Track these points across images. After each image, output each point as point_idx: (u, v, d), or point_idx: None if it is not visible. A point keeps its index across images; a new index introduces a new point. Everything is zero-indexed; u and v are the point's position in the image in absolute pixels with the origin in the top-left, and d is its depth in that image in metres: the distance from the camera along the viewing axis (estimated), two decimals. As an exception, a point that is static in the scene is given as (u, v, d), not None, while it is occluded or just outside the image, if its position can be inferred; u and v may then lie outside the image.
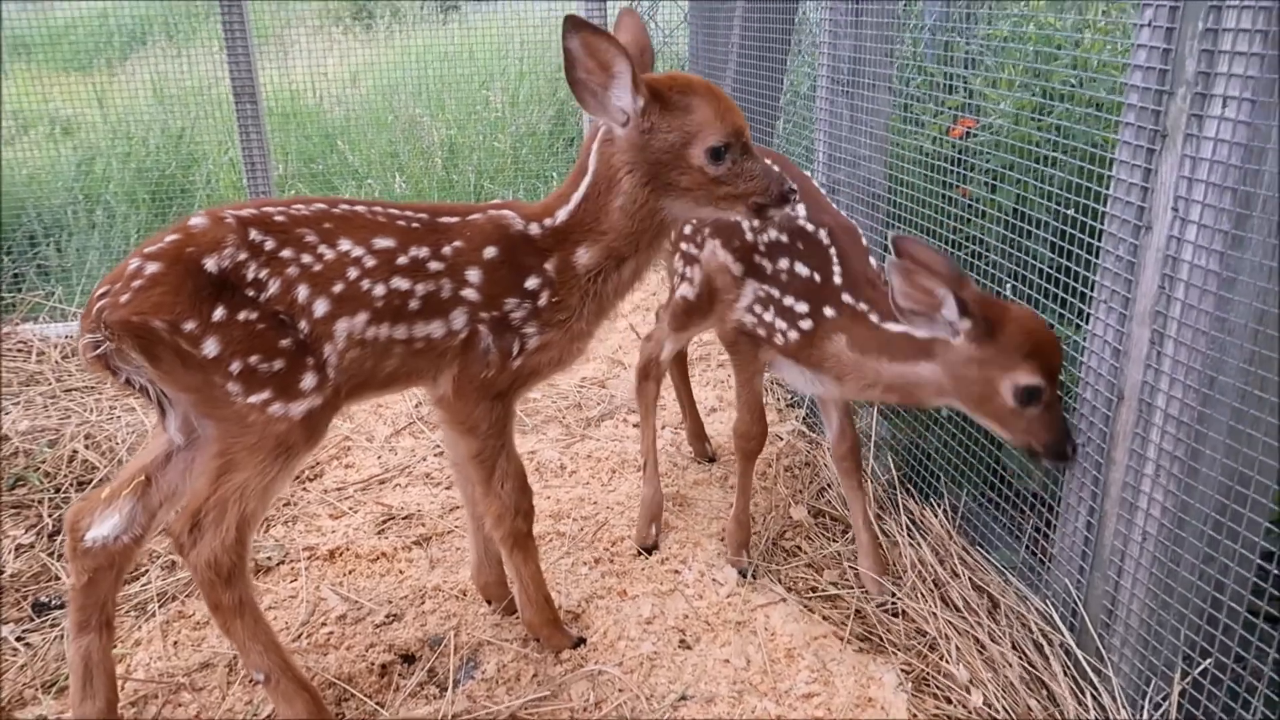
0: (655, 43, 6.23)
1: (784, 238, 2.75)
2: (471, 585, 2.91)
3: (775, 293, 2.73)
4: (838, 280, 2.66)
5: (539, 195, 6.82)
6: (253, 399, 2.09)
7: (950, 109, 3.34)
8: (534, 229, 2.35)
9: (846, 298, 2.63)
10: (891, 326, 2.54)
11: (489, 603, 2.89)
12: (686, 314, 3.10)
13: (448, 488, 3.60)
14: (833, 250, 2.70)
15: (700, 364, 4.66)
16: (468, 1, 9.21)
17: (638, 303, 5.40)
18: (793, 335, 2.70)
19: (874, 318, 2.59)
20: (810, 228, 2.74)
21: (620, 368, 4.64)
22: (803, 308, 2.67)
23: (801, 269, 2.70)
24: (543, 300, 2.33)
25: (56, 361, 4.51)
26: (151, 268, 2.03)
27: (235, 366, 2.06)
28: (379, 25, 9.82)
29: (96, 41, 7.73)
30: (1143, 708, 2.27)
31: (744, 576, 2.96)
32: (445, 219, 2.34)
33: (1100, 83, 2.79)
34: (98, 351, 2.03)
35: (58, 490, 3.47)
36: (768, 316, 2.74)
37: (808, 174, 3.05)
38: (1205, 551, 2.14)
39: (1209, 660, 2.15)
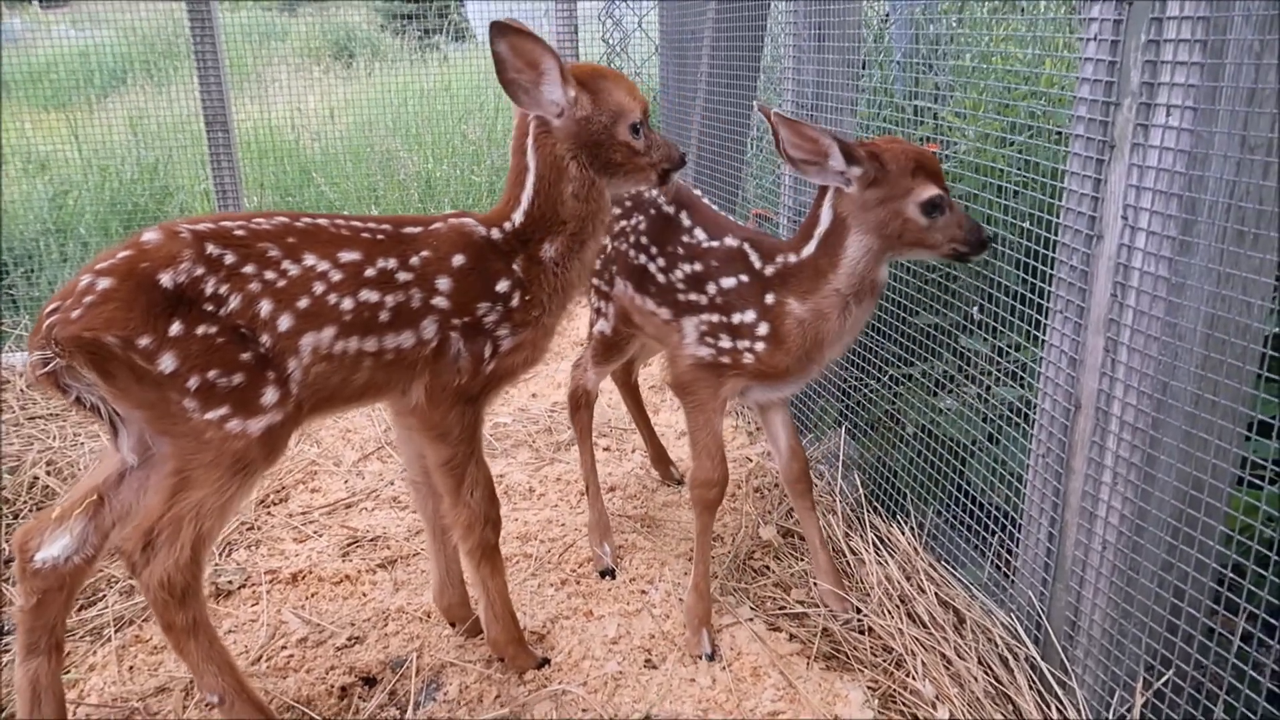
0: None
1: (698, 265, 2.71)
2: (435, 607, 2.87)
3: (719, 317, 2.66)
4: (757, 265, 2.64)
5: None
6: (209, 415, 2.05)
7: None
8: (495, 234, 2.40)
9: (768, 269, 2.61)
10: (806, 249, 2.56)
11: (452, 625, 2.85)
12: (606, 349, 3.14)
13: (415, 511, 3.57)
14: (745, 246, 2.68)
15: (667, 390, 4.65)
16: (450, 40, 9.31)
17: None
18: (759, 346, 2.60)
19: (792, 258, 2.58)
20: (718, 244, 2.71)
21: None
22: (750, 315, 2.62)
23: (728, 281, 2.66)
24: (515, 301, 2.38)
25: (21, 390, 4.46)
26: (104, 283, 1.98)
27: (193, 382, 2.01)
28: (359, 63, 9.92)
29: (77, 80, 7.75)
30: (1106, 719, 2.25)
31: (710, 660, 2.69)
32: (409, 229, 2.36)
33: (1062, 115, 2.83)
34: (47, 369, 1.97)
35: (16, 516, 3.42)
36: (725, 343, 2.65)
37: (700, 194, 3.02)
38: (1164, 559, 2.14)
39: (1171, 670, 2.14)
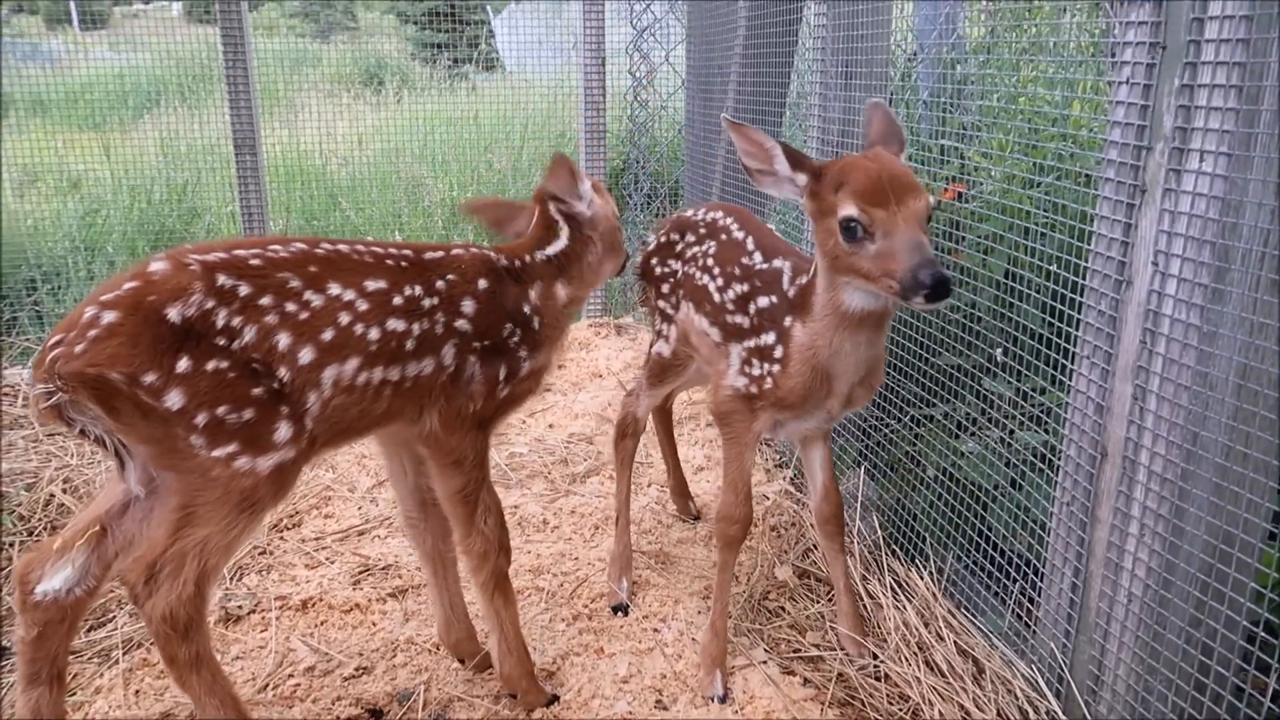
0: (652, 109, 6.36)
1: (746, 286, 2.70)
2: (442, 644, 2.83)
3: (754, 341, 2.64)
4: (785, 286, 2.59)
5: (537, 256, 6.87)
6: (217, 452, 1.99)
7: (944, 180, 3.36)
8: (516, 263, 2.55)
9: (791, 290, 2.55)
10: (812, 270, 2.44)
11: (461, 661, 2.81)
12: (662, 370, 3.13)
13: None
14: (784, 267, 2.63)
15: (689, 423, 4.63)
16: (479, 71, 9.42)
17: (629, 361, 5.39)
18: (775, 369, 2.55)
19: (803, 279, 2.50)
20: (767, 265, 2.69)
21: (609, 424, 4.59)
22: (771, 337, 2.58)
23: (764, 301, 2.63)
24: (536, 324, 2.52)
25: (43, 406, 4.48)
26: (108, 316, 1.91)
27: (200, 419, 1.95)
28: (388, 91, 10.04)
29: (111, 101, 7.88)
30: (1131, 779, 2.18)
31: (721, 702, 2.64)
32: (431, 255, 2.40)
33: (1089, 157, 2.81)
34: (51, 402, 1.89)
35: (30, 533, 3.42)
36: (755, 369, 2.62)
37: (768, 225, 3.03)
38: (1192, 614, 2.08)
39: (1199, 729, 2.07)
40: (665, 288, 3.03)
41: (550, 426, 4.64)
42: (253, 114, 5.13)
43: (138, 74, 8.67)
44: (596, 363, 5.43)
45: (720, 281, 2.78)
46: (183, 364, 1.93)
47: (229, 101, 5.11)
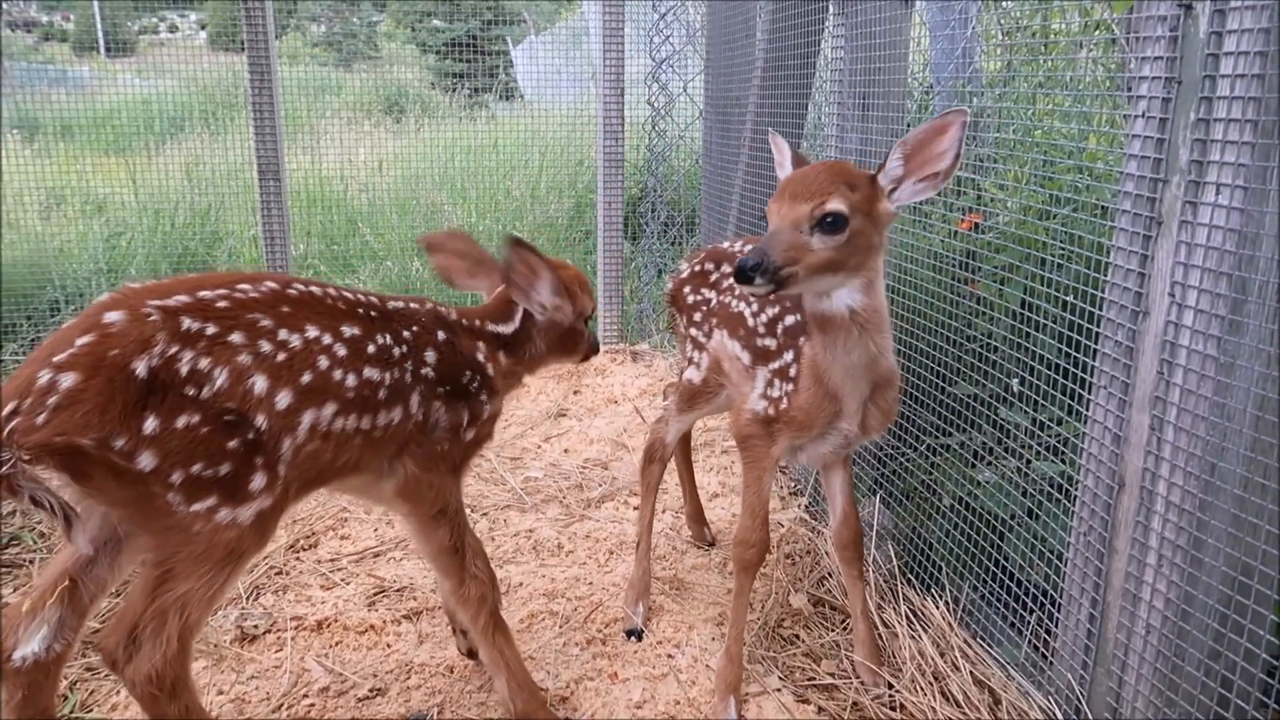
0: (670, 136, 6.42)
1: (778, 307, 2.73)
2: (459, 659, 2.84)
3: (778, 363, 2.66)
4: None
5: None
6: (197, 507, 1.90)
7: (960, 211, 3.39)
8: (465, 322, 2.59)
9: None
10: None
11: (471, 655, 2.85)
12: (692, 397, 3.15)
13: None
14: None
15: (704, 449, 4.63)
16: (499, 99, 9.53)
17: (644, 388, 5.41)
18: (789, 388, 2.57)
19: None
20: None
21: (624, 450, 4.61)
22: (790, 355, 2.60)
23: (790, 320, 2.66)
24: (491, 370, 2.57)
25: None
26: (67, 380, 1.76)
27: (176, 477, 1.86)
28: (409, 119, 10.16)
29: (137, 127, 8.01)
30: (1150, 813, 2.16)
31: None
32: (393, 305, 2.41)
33: (1105, 189, 2.83)
34: (3, 471, 1.68)
35: (50, 551, 3.45)
36: (775, 390, 2.65)
37: None
38: (1211, 646, 2.07)
39: (1219, 764, 2.05)
40: (697, 316, 3.07)
41: (565, 451, 4.65)
42: (277, 140, 5.22)
43: (163, 100, 8.81)
44: (612, 389, 5.45)
45: (755, 306, 2.81)
46: (150, 424, 1.81)
47: (254, 127, 5.20)
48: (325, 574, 3.43)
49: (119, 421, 1.78)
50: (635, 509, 4.04)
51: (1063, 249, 2.63)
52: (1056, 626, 2.55)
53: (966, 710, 2.60)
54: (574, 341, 2.80)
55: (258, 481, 1.98)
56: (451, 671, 2.88)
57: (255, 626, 3.08)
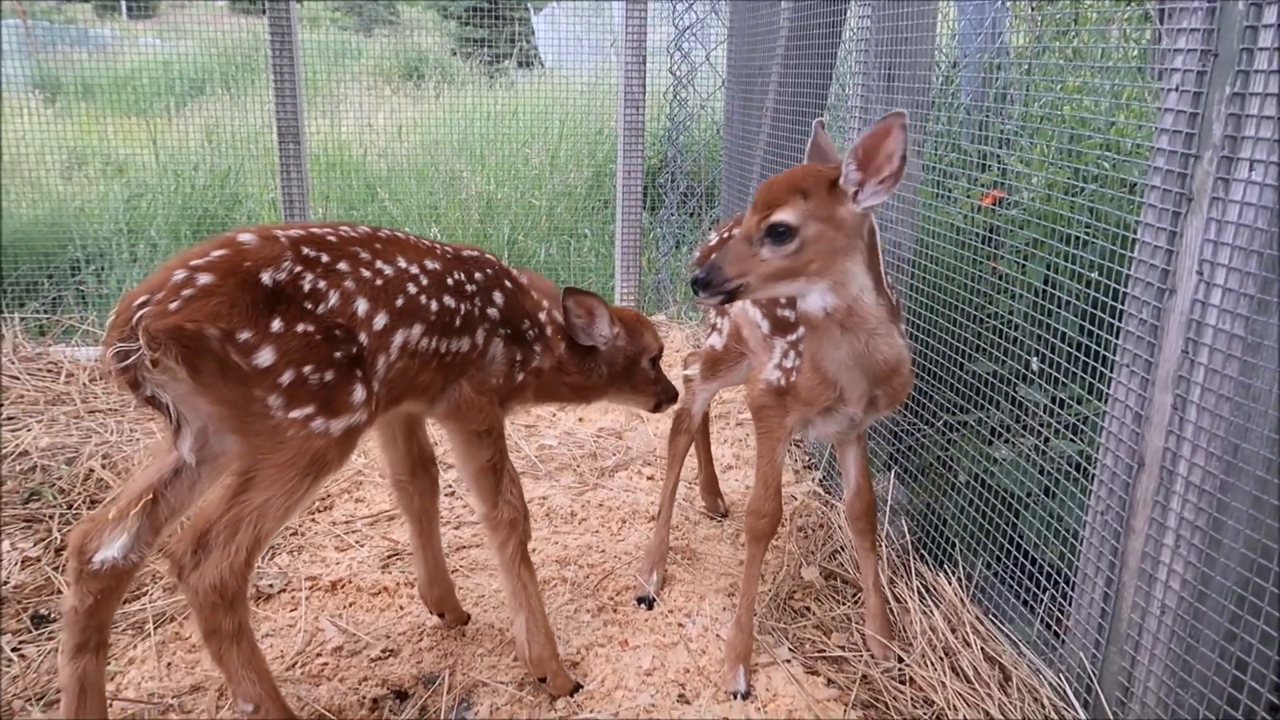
0: (691, 108, 6.36)
1: None
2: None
3: (795, 335, 2.69)
4: None
5: (570, 252, 6.91)
6: (294, 414, 2.05)
7: (983, 186, 3.34)
8: (541, 299, 2.76)
9: None
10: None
11: (440, 616, 2.93)
12: (714, 364, 3.19)
13: (456, 527, 3.57)
14: None
15: (719, 421, 4.63)
16: (519, 66, 9.46)
17: (671, 361, 5.39)
18: (799, 363, 2.61)
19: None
20: None
21: (638, 420, 4.61)
22: (803, 330, 2.60)
23: None
24: (548, 331, 2.72)
25: (84, 384, 4.57)
26: (204, 278, 1.98)
27: (286, 378, 2.02)
28: (428, 85, 10.11)
29: (158, 88, 8.01)
30: (1158, 792, 2.16)
31: (742, 698, 2.64)
32: (468, 253, 2.60)
33: (1133, 165, 2.78)
34: (127, 362, 1.94)
35: (70, 506, 3.49)
36: (789, 362, 2.68)
37: None
38: (1227, 628, 2.05)
39: (1230, 745, 2.05)
40: None
41: (580, 421, 4.66)
42: (297, 103, 5.20)
43: (184, 62, 8.80)
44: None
45: None
46: (276, 324, 2.02)
47: (274, 90, 5.18)
48: (340, 536, 3.46)
49: (247, 317, 1.98)
50: (649, 479, 4.05)
51: (1088, 224, 2.59)
52: (1069, 605, 2.54)
53: (976, 686, 2.60)
54: (639, 379, 2.93)
55: (358, 394, 2.14)
56: (464, 634, 2.91)
57: (270, 585, 3.11)
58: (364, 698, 2.61)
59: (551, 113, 8.00)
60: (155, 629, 2.86)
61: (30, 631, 2.84)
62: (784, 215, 2.17)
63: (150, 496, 2.20)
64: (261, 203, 6.81)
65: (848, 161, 2.16)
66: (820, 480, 3.92)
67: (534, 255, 6.84)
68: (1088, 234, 2.59)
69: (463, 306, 2.43)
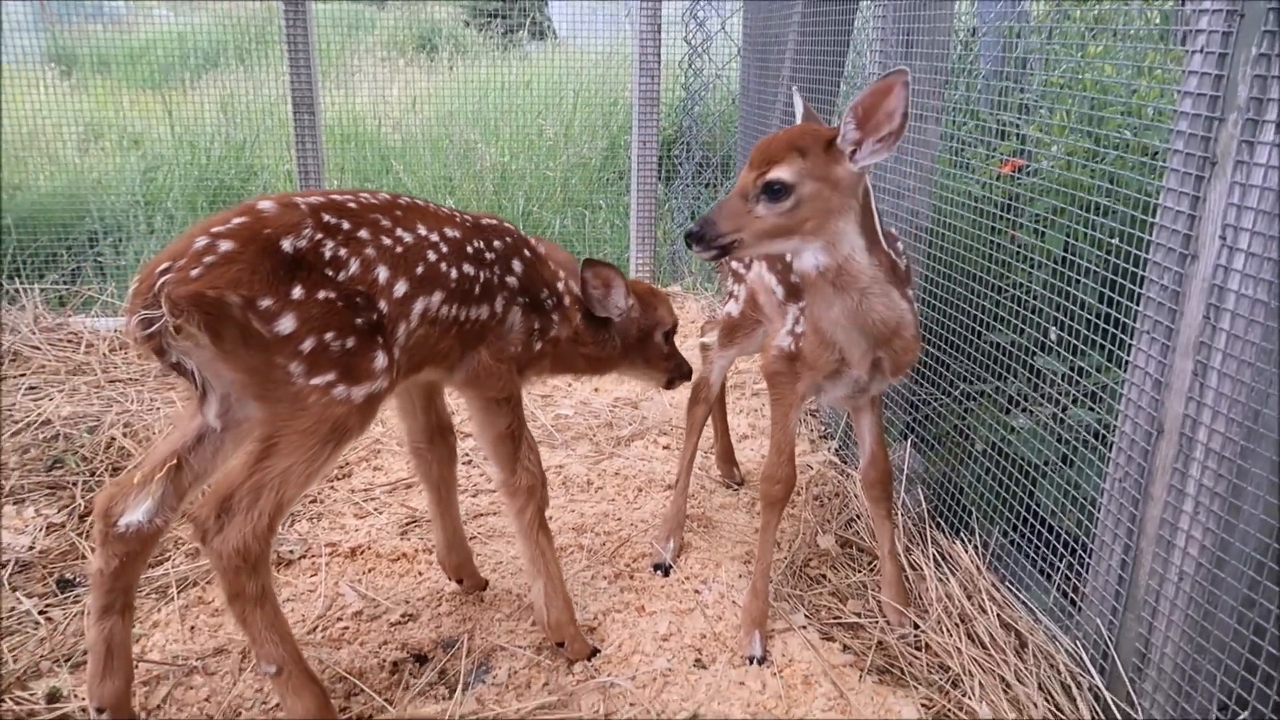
0: (706, 77, 6.31)
1: None
2: (440, 566, 2.94)
3: (805, 302, 2.68)
4: None
5: (585, 224, 6.90)
6: (316, 380, 2.06)
7: (1002, 154, 3.31)
8: (559, 271, 2.76)
9: None
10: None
11: (459, 582, 2.96)
12: (731, 330, 3.22)
13: (474, 495, 3.60)
14: None
15: (734, 391, 4.63)
16: (532, 38, 9.41)
17: (686, 331, 5.39)
18: (805, 329, 2.64)
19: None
20: None
21: (654, 389, 4.62)
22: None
23: None
24: (567, 301, 2.73)
25: (104, 354, 4.61)
26: (225, 245, 1.98)
27: (307, 345, 2.03)
28: (442, 56, 10.06)
29: (172, 61, 8.01)
30: (1173, 756, 2.17)
31: (758, 663, 2.65)
32: (487, 221, 2.60)
33: (1154, 130, 2.75)
34: (151, 329, 1.94)
35: (92, 474, 3.53)
36: (799, 328, 2.70)
37: None
38: (1245, 594, 2.05)
39: (1246, 711, 2.05)
40: None
41: (595, 390, 4.67)
42: (311, 73, 5.19)
43: (198, 35, 8.79)
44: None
45: None
46: (297, 291, 2.02)
47: (288, 61, 5.17)
48: (358, 503, 3.49)
49: (267, 284, 1.98)
50: (665, 448, 4.06)
51: (1108, 190, 2.57)
52: (1086, 572, 2.54)
53: (992, 651, 2.61)
54: (653, 352, 2.95)
55: (379, 361, 2.15)
56: (482, 600, 2.94)
57: (290, 552, 3.14)
58: (384, 661, 2.64)
59: (566, 83, 7.96)
60: (178, 593, 2.90)
61: (56, 595, 2.88)
62: (780, 173, 2.17)
63: (174, 462, 2.23)
64: (277, 174, 6.82)
65: (846, 120, 2.15)
66: (836, 449, 3.92)
67: (549, 227, 6.83)
68: (1108, 201, 2.57)
69: (482, 274, 2.44)
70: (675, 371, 3.01)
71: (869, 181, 2.29)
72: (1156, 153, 2.78)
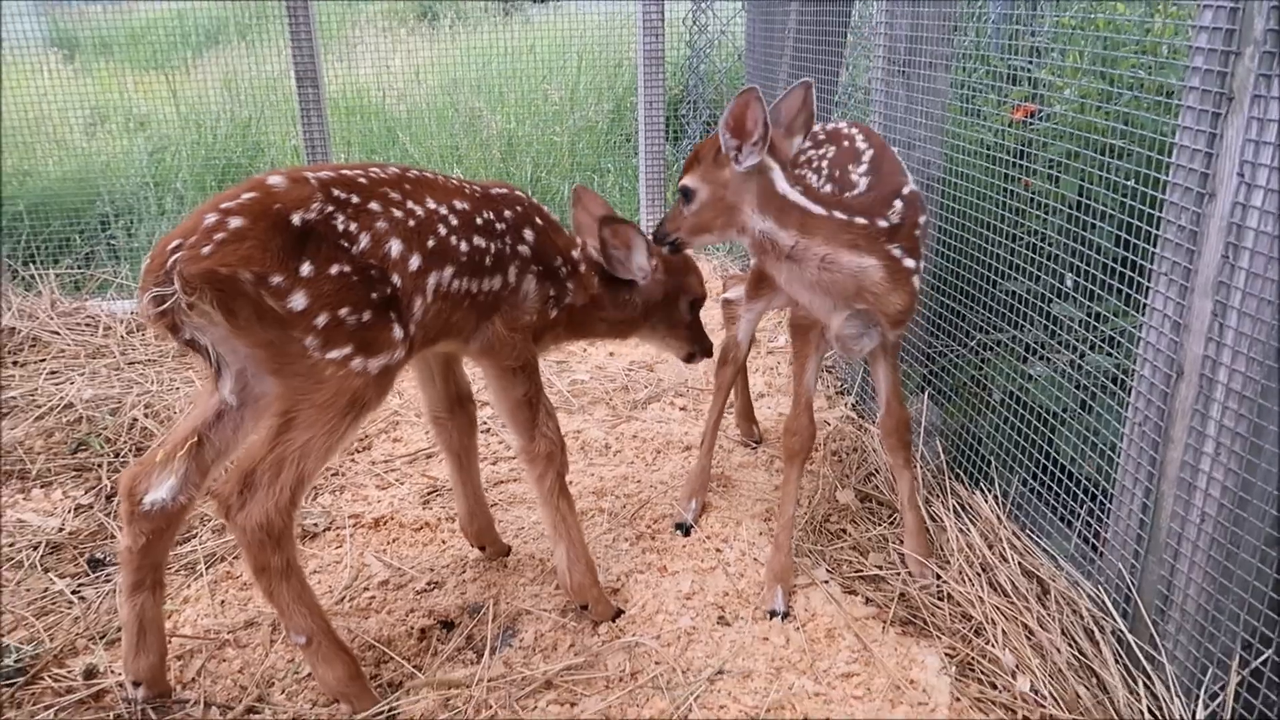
0: (711, 34, 6.23)
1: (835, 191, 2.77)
2: (463, 534, 2.97)
3: None
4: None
5: (594, 187, 6.84)
6: (332, 354, 2.06)
7: (1014, 100, 3.26)
8: (574, 237, 2.80)
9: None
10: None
11: (481, 549, 2.99)
12: (757, 281, 3.21)
13: (493, 463, 3.62)
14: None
15: (750, 350, 4.61)
16: (533, 2, 9.30)
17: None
18: None
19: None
20: (853, 179, 2.78)
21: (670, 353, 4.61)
22: None
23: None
24: (582, 268, 2.72)
25: (122, 336, 4.65)
26: (235, 221, 1.98)
27: (321, 320, 2.03)
28: (443, 24, 9.97)
29: (174, 41, 7.96)
30: (1198, 697, 2.17)
31: (781, 618, 2.69)
32: (496, 191, 2.58)
33: (1170, 68, 2.70)
34: (164, 307, 1.94)
35: (117, 455, 3.58)
36: None
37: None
38: (1268, 534, 2.05)
39: (1270, 650, 2.05)
40: None
41: (611, 354, 4.67)
42: (313, 45, 5.15)
43: (197, 13, 8.73)
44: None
45: (829, 187, 2.83)
46: (307, 267, 2.02)
47: (290, 33, 5.14)
48: (380, 475, 3.52)
49: (278, 261, 1.99)
50: (681, 409, 4.07)
51: (1123, 132, 2.52)
52: (1107, 518, 2.54)
53: (1014, 599, 2.62)
54: (676, 319, 2.94)
55: (395, 332, 2.16)
56: (505, 566, 2.96)
57: (315, 525, 3.18)
58: (412, 628, 2.68)
59: (569, 46, 7.88)
60: (207, 569, 2.95)
61: (88, 575, 2.93)
62: (685, 180, 2.52)
63: (195, 440, 2.25)
64: (284, 150, 6.80)
65: (721, 132, 2.40)
66: (853, 405, 3.92)
67: (557, 192, 6.80)
68: (1124, 143, 2.53)
69: (493, 246, 2.43)
70: (697, 344, 3.00)
71: (771, 174, 2.43)
72: (1172, 92, 2.73)
